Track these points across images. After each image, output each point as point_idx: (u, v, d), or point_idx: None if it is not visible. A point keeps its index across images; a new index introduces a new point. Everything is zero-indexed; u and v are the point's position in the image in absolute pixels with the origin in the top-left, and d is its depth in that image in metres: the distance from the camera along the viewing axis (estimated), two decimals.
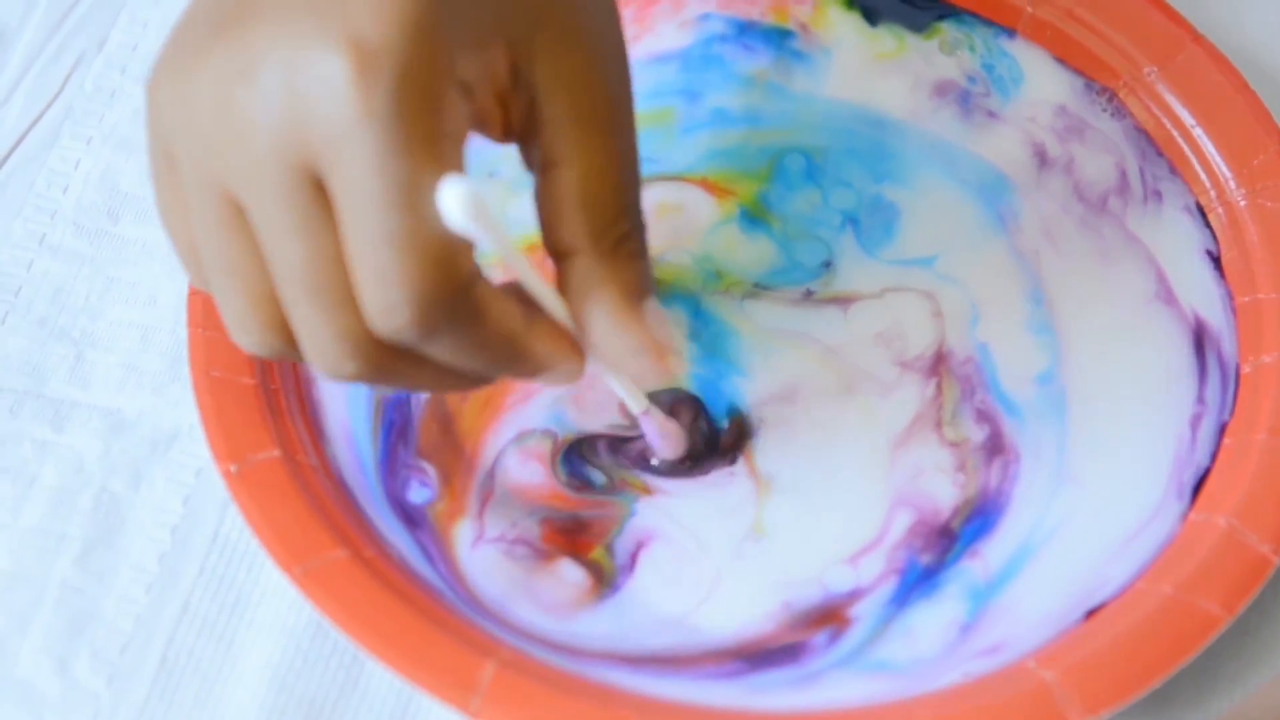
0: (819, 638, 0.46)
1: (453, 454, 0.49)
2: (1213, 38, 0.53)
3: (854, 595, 0.47)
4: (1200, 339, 0.50)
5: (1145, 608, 0.45)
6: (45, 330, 0.51)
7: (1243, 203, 0.51)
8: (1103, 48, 0.53)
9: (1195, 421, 0.49)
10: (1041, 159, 0.53)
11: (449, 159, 0.37)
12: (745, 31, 0.55)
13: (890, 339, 0.51)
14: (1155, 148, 0.52)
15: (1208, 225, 0.51)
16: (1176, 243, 0.51)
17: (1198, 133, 0.52)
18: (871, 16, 0.55)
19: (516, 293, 0.40)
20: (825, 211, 0.53)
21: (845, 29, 0.55)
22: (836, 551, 0.47)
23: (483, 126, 0.40)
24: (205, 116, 0.38)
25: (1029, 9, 0.54)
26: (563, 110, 0.40)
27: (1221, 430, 0.48)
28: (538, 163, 0.41)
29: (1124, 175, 0.53)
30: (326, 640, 0.47)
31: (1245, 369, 0.49)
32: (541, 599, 0.47)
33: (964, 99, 0.54)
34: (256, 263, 0.39)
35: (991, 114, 0.54)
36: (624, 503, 0.48)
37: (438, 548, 0.47)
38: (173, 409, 0.50)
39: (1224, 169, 0.51)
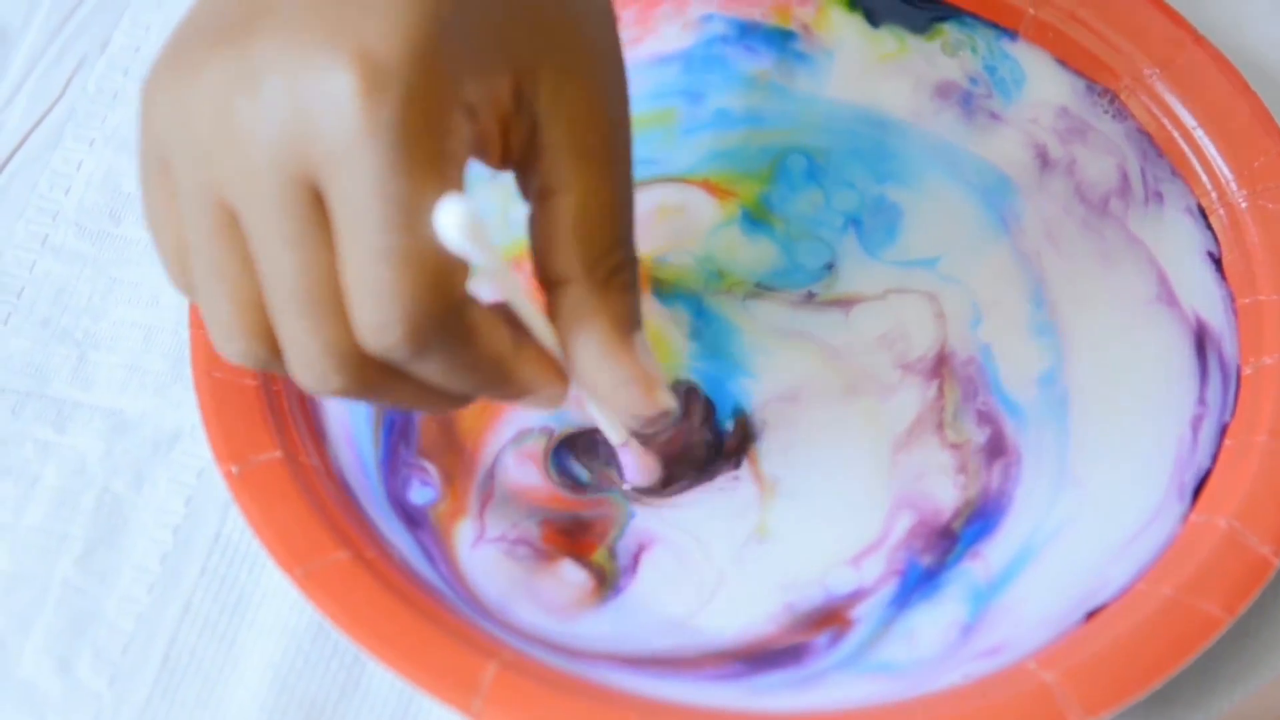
0: (820, 639, 0.46)
1: (454, 453, 0.49)
2: (1214, 39, 0.53)
3: (856, 596, 0.47)
4: (1201, 340, 0.50)
5: (1146, 609, 0.45)
6: (48, 331, 0.52)
7: (1244, 204, 0.51)
8: (1104, 49, 0.53)
9: (1196, 423, 0.49)
10: (1043, 160, 0.53)
11: (450, 180, 0.37)
12: (747, 33, 0.55)
13: (893, 340, 0.51)
14: (1157, 149, 0.53)
15: (1209, 227, 0.51)
16: (1178, 244, 0.51)
17: (1199, 134, 0.52)
18: (874, 18, 0.55)
19: (504, 314, 0.40)
20: (827, 213, 0.53)
21: (847, 30, 0.55)
22: (839, 553, 0.47)
23: (482, 151, 0.40)
24: (204, 121, 0.38)
25: (1031, 10, 0.54)
26: (564, 138, 0.40)
27: (1222, 432, 0.48)
28: (535, 190, 0.41)
29: (1125, 177, 0.53)
30: (328, 641, 0.47)
31: (1246, 370, 0.49)
32: (543, 600, 0.47)
33: (966, 100, 0.54)
34: (246, 271, 0.39)
35: (993, 115, 0.54)
36: (622, 503, 0.48)
37: (439, 548, 0.47)
38: (175, 409, 0.50)
39: (1225, 171, 0.51)
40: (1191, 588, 0.45)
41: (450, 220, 0.36)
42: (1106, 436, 0.49)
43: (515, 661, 0.44)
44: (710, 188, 0.53)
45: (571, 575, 0.47)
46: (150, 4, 0.57)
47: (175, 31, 0.40)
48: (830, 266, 0.52)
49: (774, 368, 0.50)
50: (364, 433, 0.49)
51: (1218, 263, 0.51)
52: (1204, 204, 0.52)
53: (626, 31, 0.54)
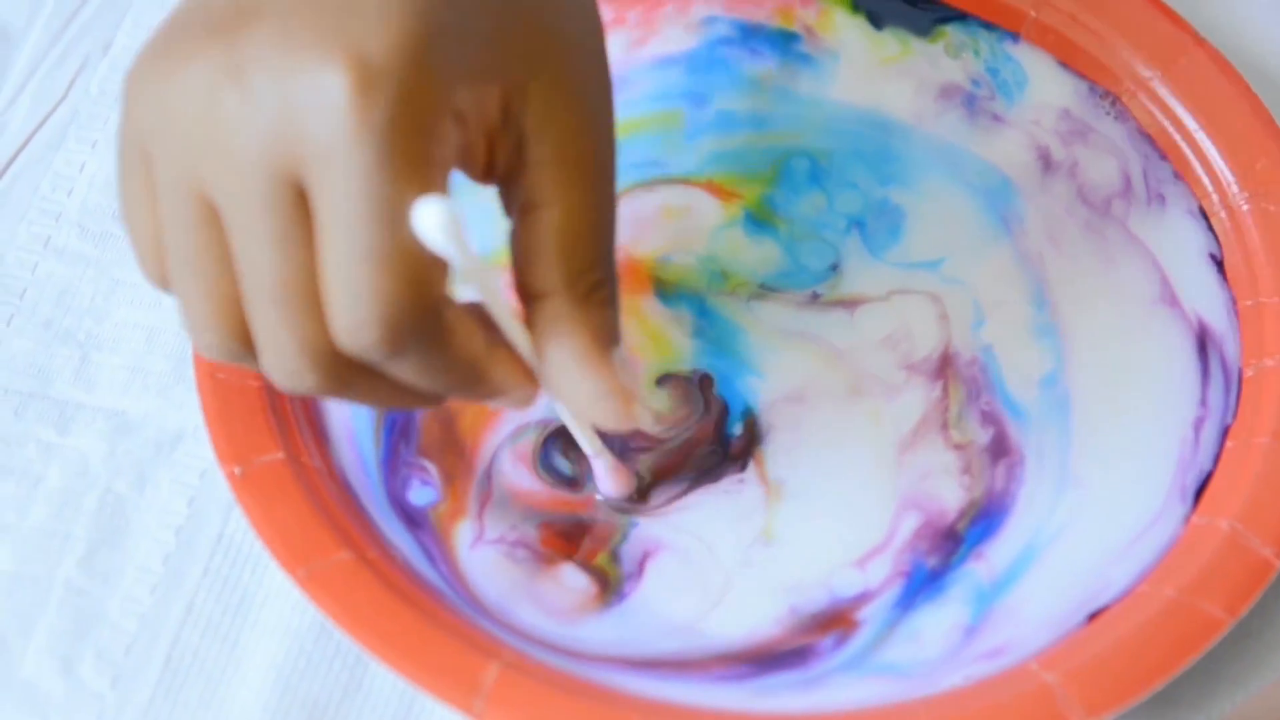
0: (825, 641, 0.46)
1: (454, 453, 0.49)
2: (1215, 41, 0.53)
3: (861, 598, 0.47)
4: (1203, 342, 0.50)
5: (1148, 610, 0.45)
6: (50, 332, 0.52)
7: (1245, 206, 0.51)
8: (1106, 52, 0.53)
9: (1198, 424, 0.49)
10: (1045, 162, 0.53)
11: (435, 184, 0.37)
12: (751, 35, 0.55)
13: (897, 341, 0.51)
14: (1158, 151, 0.53)
15: (1210, 229, 0.51)
16: (1179, 246, 0.51)
17: (1200, 136, 0.52)
18: (877, 20, 0.55)
19: (479, 315, 0.40)
20: (831, 214, 0.53)
21: (851, 32, 0.55)
22: (844, 555, 0.47)
23: (466, 161, 0.40)
24: (189, 114, 0.37)
25: (1032, 13, 0.54)
26: (550, 154, 0.40)
27: (1224, 433, 0.48)
28: (518, 205, 0.41)
29: (1127, 179, 0.53)
30: (330, 641, 0.47)
31: (1248, 372, 0.49)
32: (544, 603, 0.47)
33: (969, 102, 0.54)
34: (225, 266, 0.38)
35: (996, 117, 0.54)
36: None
37: (439, 549, 0.47)
38: (177, 411, 0.50)
39: (1227, 173, 0.51)
40: (1193, 589, 0.45)
41: (430, 220, 0.36)
42: (1108, 438, 0.49)
43: (517, 662, 0.44)
44: (714, 189, 0.53)
45: (573, 580, 0.47)
46: (153, 5, 0.57)
47: (163, 23, 0.39)
48: (834, 268, 0.52)
49: (779, 368, 0.50)
50: (365, 432, 0.49)
51: (1219, 265, 0.51)
52: (1205, 206, 0.52)
53: (630, 33, 0.55)
